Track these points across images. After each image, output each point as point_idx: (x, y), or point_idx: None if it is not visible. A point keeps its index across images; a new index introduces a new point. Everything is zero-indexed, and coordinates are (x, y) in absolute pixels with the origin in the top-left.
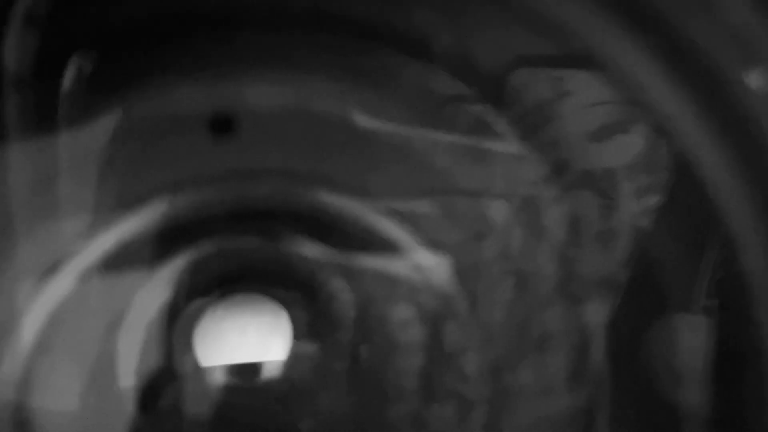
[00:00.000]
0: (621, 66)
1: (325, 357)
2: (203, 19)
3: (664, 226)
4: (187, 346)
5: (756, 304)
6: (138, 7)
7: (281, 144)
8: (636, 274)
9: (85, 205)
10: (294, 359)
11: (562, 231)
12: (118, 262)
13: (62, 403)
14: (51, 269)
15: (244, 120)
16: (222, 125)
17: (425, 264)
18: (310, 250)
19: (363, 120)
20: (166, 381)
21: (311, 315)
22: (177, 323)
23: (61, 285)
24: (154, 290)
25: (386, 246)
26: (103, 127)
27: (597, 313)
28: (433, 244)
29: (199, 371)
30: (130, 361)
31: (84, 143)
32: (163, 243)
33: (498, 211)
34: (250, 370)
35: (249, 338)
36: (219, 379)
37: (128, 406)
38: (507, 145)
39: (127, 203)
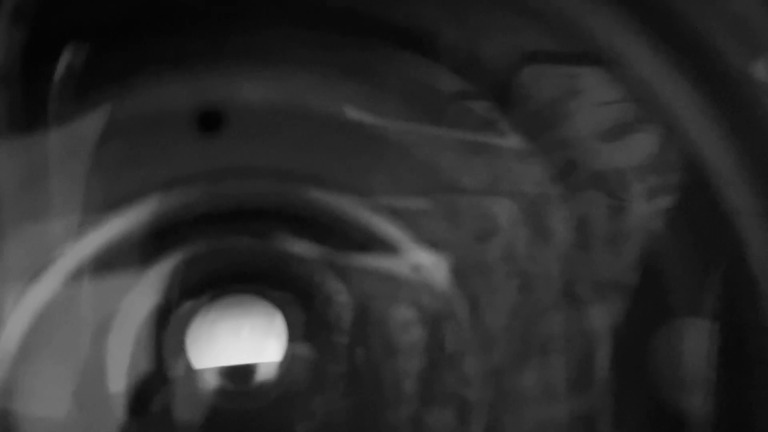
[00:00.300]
0: (630, 63)
1: (321, 359)
2: (192, 13)
3: (674, 228)
4: (179, 348)
5: (764, 309)
6: (126, 2)
7: (274, 141)
8: (643, 277)
9: (73, 205)
10: (289, 361)
11: (569, 232)
12: (107, 263)
13: (49, 409)
14: (38, 271)
15: (235, 116)
16: (211, 122)
17: (425, 264)
18: (304, 249)
19: (361, 116)
20: (157, 385)
21: (307, 316)
22: (168, 325)
23: (48, 287)
24: (144, 292)
25: (384, 246)
26: (91, 124)
27: (602, 317)
28: (433, 243)
29: (192, 374)
30: (120, 365)
31: (72, 141)
32: (153, 243)
33: (502, 210)
34: (244, 372)
35: (242, 340)
36: (212, 382)
37: (118, 411)
38: (512, 144)
39: (115, 202)
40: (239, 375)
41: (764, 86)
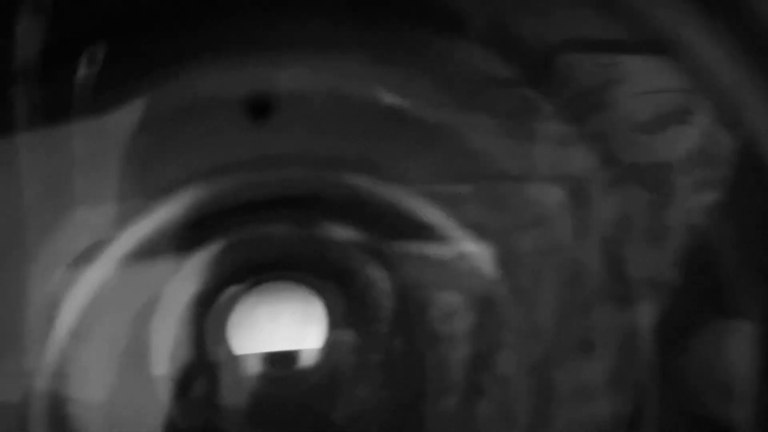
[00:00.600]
0: (689, 50)
1: (362, 347)
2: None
3: (723, 224)
4: (221, 334)
5: None
6: None
7: (317, 128)
8: (689, 275)
9: (121, 192)
10: (329, 348)
11: (611, 226)
12: (151, 249)
13: (95, 391)
14: (85, 257)
15: (280, 103)
16: (259, 109)
17: (469, 252)
18: (347, 236)
19: (404, 103)
20: (199, 370)
21: (348, 303)
22: (210, 311)
23: (95, 273)
24: (186, 278)
25: (428, 233)
26: (131, 112)
27: (645, 315)
28: (478, 231)
29: (233, 360)
30: (163, 350)
31: (114, 128)
32: (196, 229)
33: (548, 198)
34: (285, 358)
35: (283, 327)
36: (253, 368)
37: (161, 395)
38: (555, 130)
39: (161, 190)
40: (280, 361)
41: None
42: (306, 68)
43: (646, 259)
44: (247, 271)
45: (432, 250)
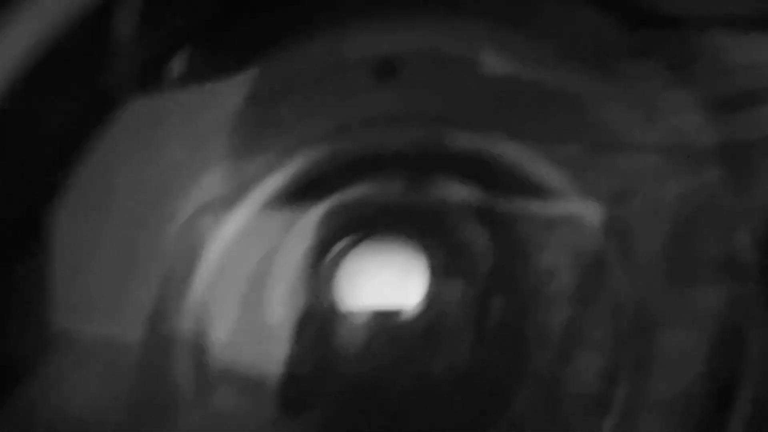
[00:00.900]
0: None
1: (462, 302)
2: None
3: None
4: (331, 286)
5: None
6: None
7: (438, 89)
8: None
9: (247, 152)
10: (431, 301)
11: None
12: (272, 204)
13: (218, 333)
14: (230, 204)
15: (405, 65)
16: (386, 70)
17: (576, 213)
18: (459, 194)
19: (525, 67)
20: (311, 318)
21: (451, 259)
22: (322, 264)
23: (236, 220)
24: (302, 232)
25: (538, 192)
26: (262, 77)
27: (752, 294)
28: (587, 193)
29: (342, 309)
30: (279, 298)
31: (250, 91)
32: (314, 186)
33: (659, 167)
34: (389, 309)
35: (388, 281)
36: (359, 317)
37: (275, 341)
38: (674, 99)
39: (292, 147)
40: (384, 314)
41: None
42: (430, 32)
43: (724, 239)
44: (358, 226)
45: (541, 209)
